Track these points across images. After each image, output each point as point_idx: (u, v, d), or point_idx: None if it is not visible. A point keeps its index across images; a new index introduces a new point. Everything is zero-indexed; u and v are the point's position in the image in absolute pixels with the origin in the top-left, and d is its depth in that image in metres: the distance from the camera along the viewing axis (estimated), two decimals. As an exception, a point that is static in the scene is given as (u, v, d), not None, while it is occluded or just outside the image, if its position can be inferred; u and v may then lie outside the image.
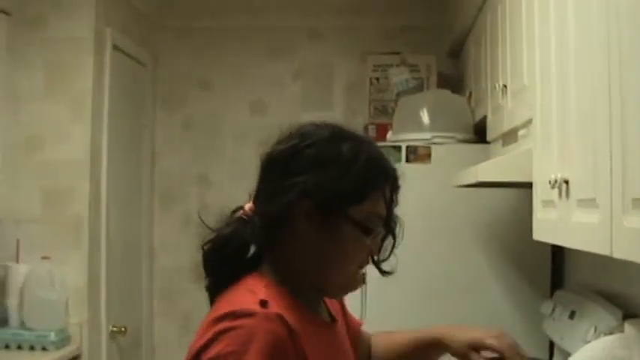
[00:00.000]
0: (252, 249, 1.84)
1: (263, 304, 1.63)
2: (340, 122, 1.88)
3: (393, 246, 1.87)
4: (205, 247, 1.87)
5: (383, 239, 1.84)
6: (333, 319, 1.95)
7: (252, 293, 1.68)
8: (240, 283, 1.75)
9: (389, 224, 1.84)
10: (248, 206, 1.87)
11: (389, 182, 1.81)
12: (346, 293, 1.88)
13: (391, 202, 1.84)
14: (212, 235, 1.88)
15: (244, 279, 1.76)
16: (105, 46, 4.63)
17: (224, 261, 1.83)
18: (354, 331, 2.16)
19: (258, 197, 1.84)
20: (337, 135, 1.81)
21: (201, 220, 1.87)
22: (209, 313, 1.72)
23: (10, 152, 4.38)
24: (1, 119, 4.35)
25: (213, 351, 1.57)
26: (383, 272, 1.90)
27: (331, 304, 2.00)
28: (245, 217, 1.85)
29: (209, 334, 1.60)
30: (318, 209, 1.73)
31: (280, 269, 1.79)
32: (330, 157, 1.76)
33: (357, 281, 1.84)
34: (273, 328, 1.58)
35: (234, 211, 1.89)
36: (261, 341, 1.55)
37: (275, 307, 1.64)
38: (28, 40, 4.42)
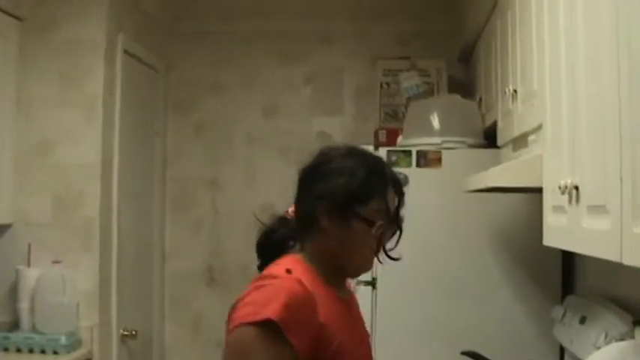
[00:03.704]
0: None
1: (288, 271, 2.14)
2: (355, 145, 2.44)
3: (399, 237, 2.31)
4: (258, 238, 2.39)
5: (391, 231, 2.30)
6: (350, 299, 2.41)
7: (283, 265, 2.19)
8: (280, 260, 2.27)
9: (395, 220, 2.30)
10: (291, 209, 2.38)
11: (388, 188, 2.29)
12: (362, 273, 2.39)
13: (399, 203, 2.32)
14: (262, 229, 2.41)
15: (285, 257, 2.28)
16: (116, 51, 4.64)
17: (269, 248, 2.36)
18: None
19: (295, 202, 2.35)
20: (347, 152, 2.34)
21: (257, 218, 2.39)
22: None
23: (22, 156, 4.40)
24: (13, 124, 4.38)
25: (248, 297, 2.08)
26: (391, 258, 2.33)
27: (353, 300, 2.46)
28: (288, 217, 2.38)
29: (247, 290, 2.11)
30: (334, 209, 2.23)
31: (314, 253, 2.28)
32: (340, 169, 2.28)
33: (370, 264, 2.34)
34: (293, 287, 2.06)
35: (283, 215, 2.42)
36: (285, 294, 2.03)
37: (297, 274, 2.12)
38: (39, 45, 4.44)
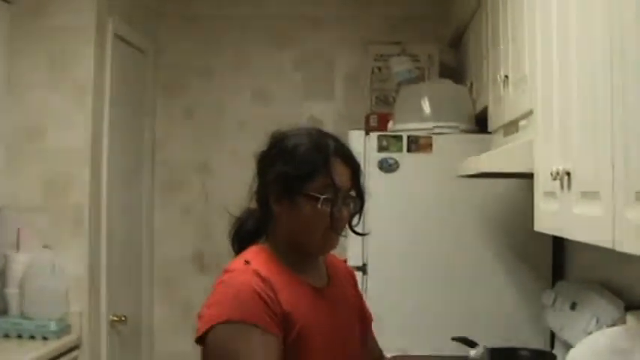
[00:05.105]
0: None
1: (246, 262, 2.21)
2: (307, 124, 2.55)
3: (361, 210, 2.35)
4: (229, 231, 2.45)
5: (351, 204, 2.31)
6: (329, 284, 2.41)
7: (244, 257, 2.26)
8: (245, 251, 2.32)
9: (346, 194, 2.28)
10: None
11: (330, 161, 2.25)
12: (323, 252, 2.39)
13: (355, 175, 2.31)
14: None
15: (251, 247, 2.33)
16: (106, 35, 4.61)
17: (241, 239, 2.41)
18: (366, 321, 2.58)
19: (254, 192, 2.38)
20: (292, 134, 2.34)
21: (229, 213, 2.46)
22: None
23: (12, 141, 4.36)
24: (3, 108, 4.34)
25: (211, 299, 2.17)
26: (356, 233, 2.42)
27: (339, 280, 2.49)
28: (254, 209, 2.39)
29: (214, 284, 2.21)
30: (281, 193, 2.26)
31: (275, 241, 2.33)
32: (282, 152, 2.30)
33: (328, 242, 2.31)
34: (245, 279, 2.14)
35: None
36: (234, 288, 2.14)
37: (255, 265, 2.19)
38: (29, 28, 4.40)
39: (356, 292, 2.59)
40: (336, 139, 2.34)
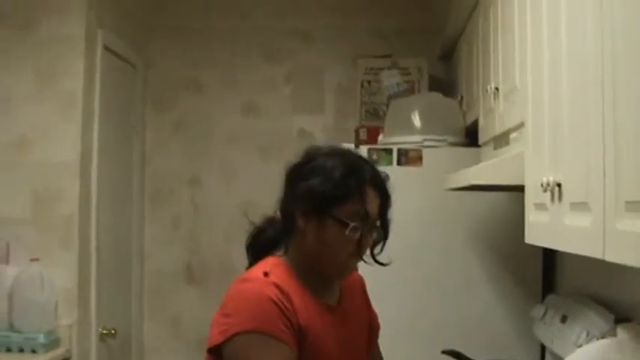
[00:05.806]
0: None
1: (265, 274, 2.21)
2: (340, 144, 2.52)
3: (384, 242, 2.37)
4: (247, 239, 2.47)
5: (376, 235, 2.34)
6: (342, 300, 2.45)
7: (262, 267, 2.26)
8: (262, 261, 2.33)
9: (374, 224, 2.31)
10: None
11: (365, 189, 2.27)
12: (342, 277, 2.40)
13: (383, 206, 2.32)
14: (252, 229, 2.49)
15: (267, 259, 2.34)
16: (96, 47, 4.60)
17: (258, 248, 2.43)
18: (373, 330, 2.67)
19: (279, 202, 2.37)
20: (329, 152, 2.34)
21: (248, 218, 2.47)
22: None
23: (0, 153, 4.35)
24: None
25: (231, 305, 2.18)
26: (378, 262, 2.40)
27: (352, 292, 2.53)
28: (276, 217, 2.42)
29: (231, 293, 2.21)
30: (310, 210, 2.25)
31: (294, 255, 2.34)
32: (318, 170, 2.28)
33: (349, 268, 2.37)
34: (265, 291, 2.14)
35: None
36: (254, 298, 2.14)
37: (274, 277, 2.20)
38: (18, 41, 4.39)
39: (366, 302, 2.66)
40: (372, 166, 2.38)
